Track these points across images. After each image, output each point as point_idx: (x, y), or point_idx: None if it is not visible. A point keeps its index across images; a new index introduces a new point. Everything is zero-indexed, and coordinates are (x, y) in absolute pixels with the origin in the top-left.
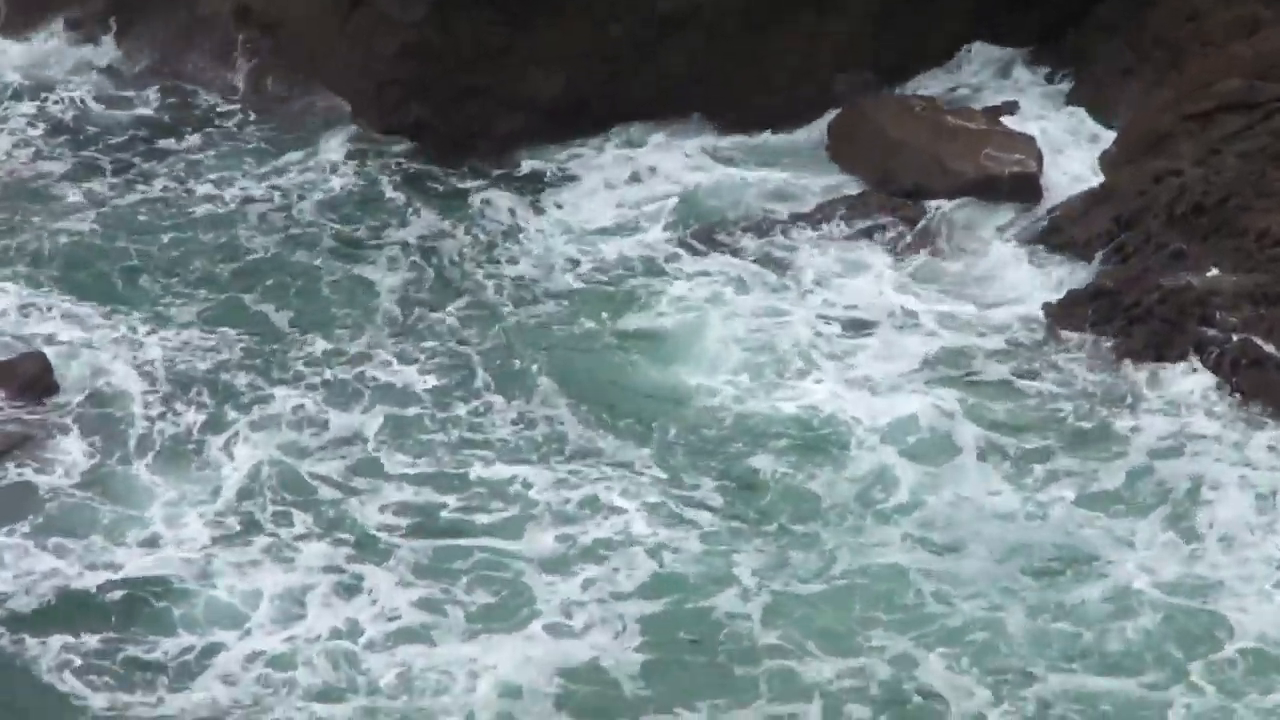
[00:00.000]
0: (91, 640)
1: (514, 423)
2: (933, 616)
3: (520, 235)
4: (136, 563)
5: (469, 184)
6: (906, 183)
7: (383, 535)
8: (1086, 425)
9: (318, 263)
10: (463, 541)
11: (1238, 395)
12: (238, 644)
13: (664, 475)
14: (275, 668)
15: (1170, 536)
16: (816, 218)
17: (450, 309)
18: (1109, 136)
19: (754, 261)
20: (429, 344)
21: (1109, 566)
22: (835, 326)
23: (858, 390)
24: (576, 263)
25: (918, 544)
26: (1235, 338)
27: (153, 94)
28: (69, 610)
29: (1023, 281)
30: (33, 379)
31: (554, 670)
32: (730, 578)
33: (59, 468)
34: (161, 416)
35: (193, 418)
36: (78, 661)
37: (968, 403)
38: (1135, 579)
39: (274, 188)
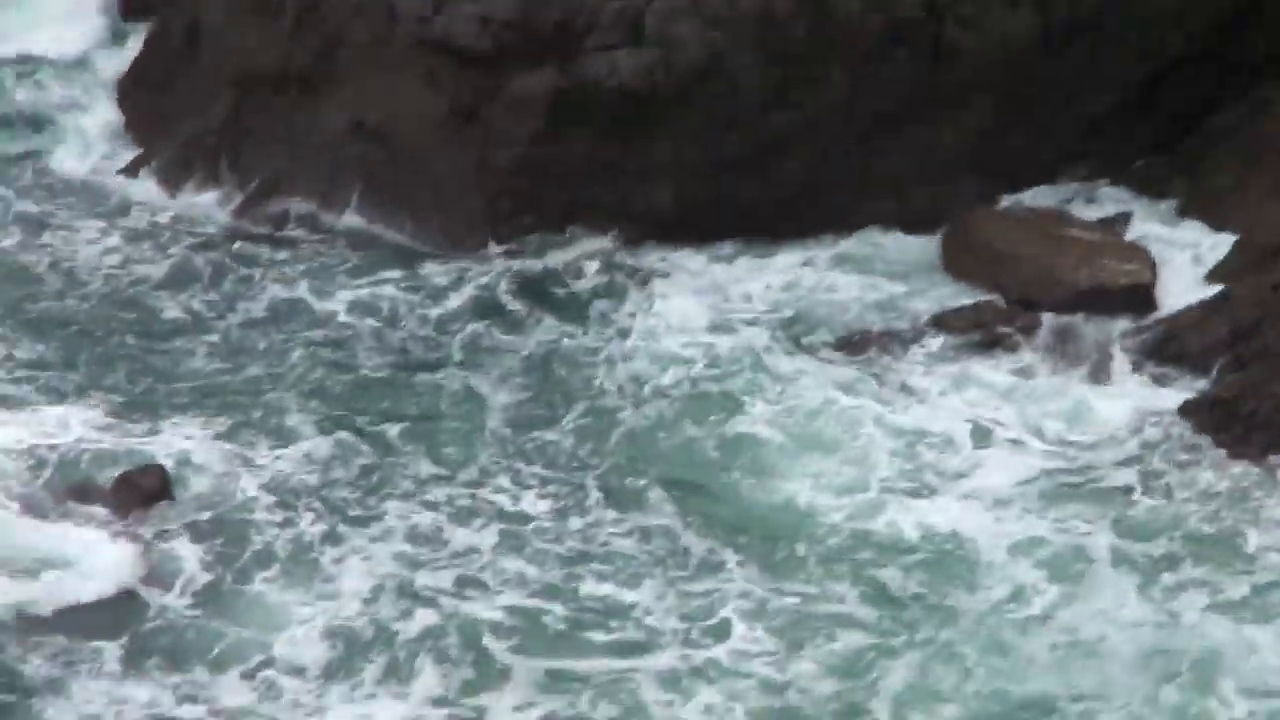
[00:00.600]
0: None
1: (631, 537)
2: None
3: (628, 345)
4: (241, 697)
5: (576, 295)
6: (1019, 294)
7: (499, 656)
8: (1212, 531)
9: (432, 377)
10: (581, 663)
11: None
12: None
13: (788, 589)
14: None
15: None
16: (930, 328)
17: (563, 423)
18: (1223, 247)
19: (864, 371)
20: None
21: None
22: (950, 440)
23: (977, 505)
24: (685, 369)
25: (1059, 657)
26: None
27: (262, 212)
28: None
29: (1139, 392)
30: (153, 493)
31: None
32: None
33: (172, 584)
34: (276, 536)
35: (308, 535)
36: None
37: (1092, 515)
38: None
39: (383, 302)
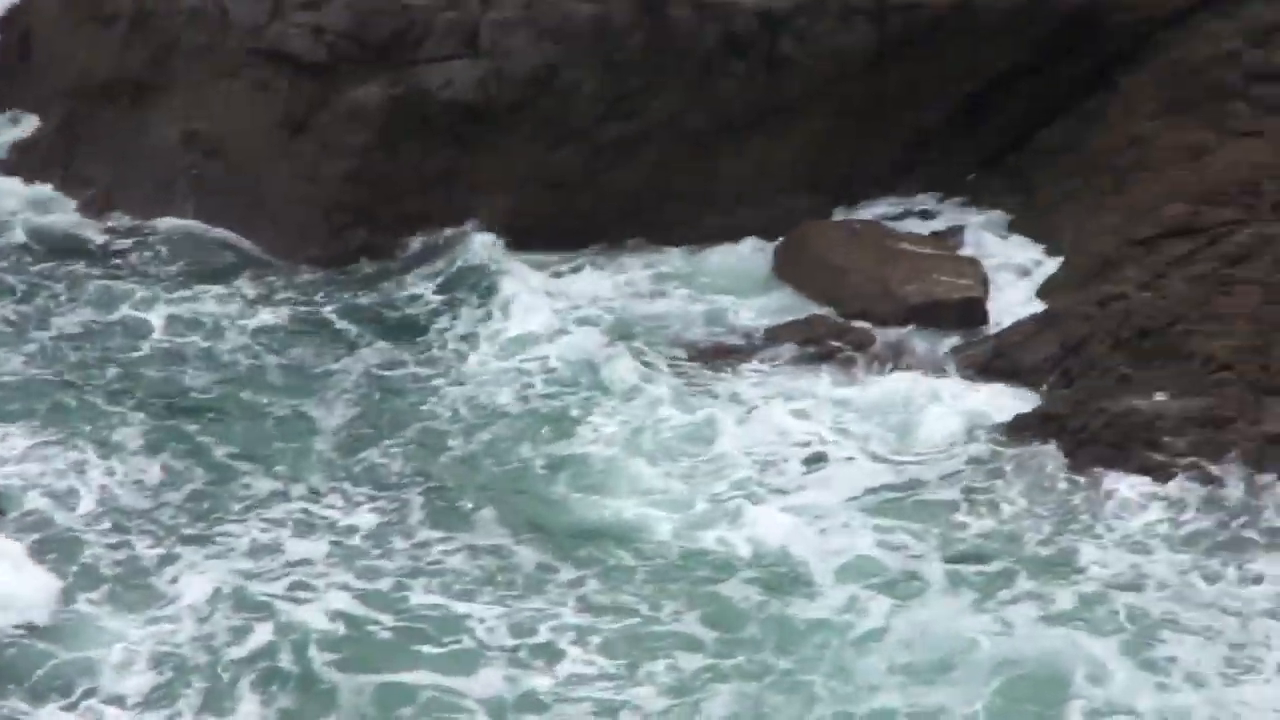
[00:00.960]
0: None
1: (460, 554)
2: None
3: (460, 360)
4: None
5: (410, 309)
6: (852, 307)
7: (326, 675)
8: (1042, 545)
9: (260, 397)
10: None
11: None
12: None
13: (622, 607)
14: None
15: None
16: (764, 341)
17: (389, 443)
18: (1054, 261)
19: (698, 384)
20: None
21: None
22: (778, 454)
23: (809, 520)
24: (515, 386)
25: (898, 678)
26: (1182, 461)
27: (91, 222)
28: None
29: (969, 407)
30: None
31: None
32: None
33: None
34: (106, 556)
35: (141, 555)
36: None
37: (923, 530)
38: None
39: (208, 318)
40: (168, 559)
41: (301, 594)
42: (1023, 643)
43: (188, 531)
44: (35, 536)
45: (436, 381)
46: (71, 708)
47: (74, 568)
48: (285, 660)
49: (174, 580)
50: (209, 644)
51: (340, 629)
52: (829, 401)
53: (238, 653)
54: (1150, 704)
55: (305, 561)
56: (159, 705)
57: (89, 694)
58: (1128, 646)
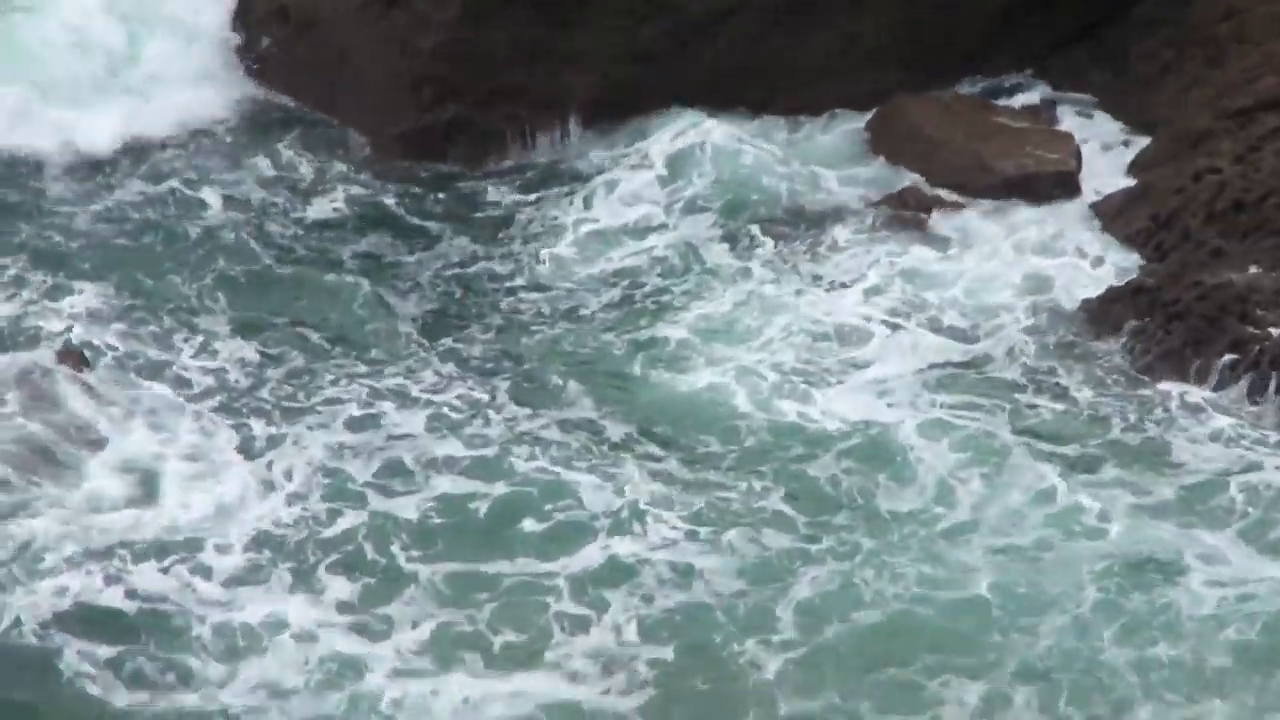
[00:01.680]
0: (108, 650)
1: (553, 428)
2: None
3: (551, 239)
4: (161, 582)
5: (498, 191)
6: (945, 180)
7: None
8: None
9: (346, 279)
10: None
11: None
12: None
13: (710, 481)
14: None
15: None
16: (855, 213)
17: (481, 325)
18: (1147, 135)
19: (788, 258)
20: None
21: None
22: (874, 325)
23: (900, 395)
24: (609, 265)
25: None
26: (1276, 334)
27: None
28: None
29: (1065, 276)
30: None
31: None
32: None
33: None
34: (202, 427)
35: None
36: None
37: (1009, 405)
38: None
39: (295, 194)
40: (270, 436)
41: (403, 472)
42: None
43: (288, 406)
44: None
45: (519, 272)
46: (164, 571)
47: (173, 440)
48: (377, 542)
49: (273, 461)
50: (307, 523)
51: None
52: (918, 273)
53: (331, 533)
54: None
55: (408, 435)
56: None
57: (184, 561)
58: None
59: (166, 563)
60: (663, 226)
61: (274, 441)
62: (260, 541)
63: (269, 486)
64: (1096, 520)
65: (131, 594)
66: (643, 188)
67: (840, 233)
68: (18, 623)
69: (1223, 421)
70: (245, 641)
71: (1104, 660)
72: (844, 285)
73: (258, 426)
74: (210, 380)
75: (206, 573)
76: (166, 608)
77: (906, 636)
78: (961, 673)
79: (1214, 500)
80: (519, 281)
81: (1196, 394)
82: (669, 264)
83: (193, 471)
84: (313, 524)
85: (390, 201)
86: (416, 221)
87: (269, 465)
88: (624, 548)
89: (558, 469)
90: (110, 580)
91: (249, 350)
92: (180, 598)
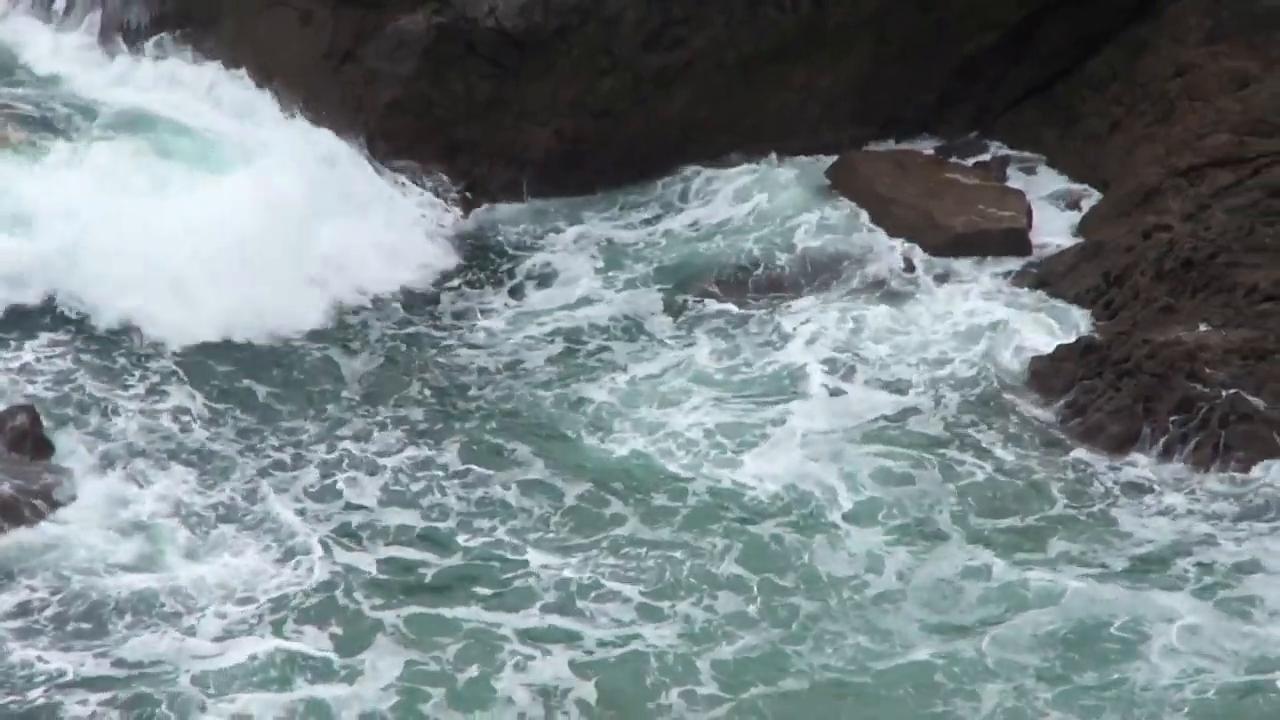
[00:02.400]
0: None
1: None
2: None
3: (500, 302)
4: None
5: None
6: (896, 237)
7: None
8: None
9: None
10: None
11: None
12: None
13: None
14: None
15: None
16: (809, 270)
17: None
18: (1098, 192)
19: (741, 312)
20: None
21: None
22: (826, 374)
23: (838, 449)
24: (557, 328)
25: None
26: (1224, 393)
27: None
28: None
29: (1015, 333)
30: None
31: None
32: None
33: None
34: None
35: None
36: None
37: (949, 461)
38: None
39: None
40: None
41: (355, 531)
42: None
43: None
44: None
45: (461, 338)
46: (152, 629)
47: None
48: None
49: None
50: (275, 578)
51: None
52: (862, 331)
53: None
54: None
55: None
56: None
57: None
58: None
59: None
60: (610, 290)
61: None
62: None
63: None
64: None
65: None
66: (594, 246)
67: (794, 289)
68: None
69: (1171, 498)
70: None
71: None
72: (794, 341)
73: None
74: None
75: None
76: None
77: (839, 701)
78: None
79: (1163, 570)
80: (460, 342)
81: (1142, 461)
82: (621, 318)
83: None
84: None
85: None
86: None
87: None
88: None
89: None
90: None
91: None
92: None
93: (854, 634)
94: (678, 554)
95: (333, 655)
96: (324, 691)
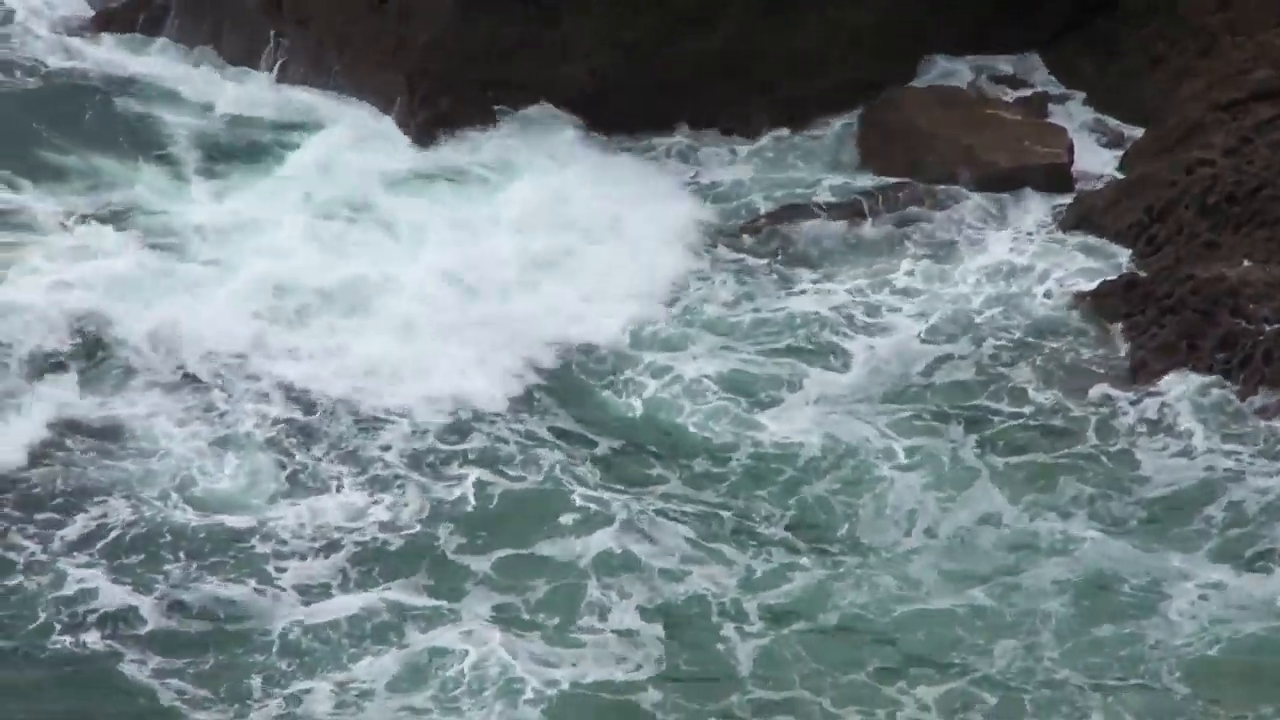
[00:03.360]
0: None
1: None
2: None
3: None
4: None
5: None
6: (938, 174)
7: None
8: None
9: None
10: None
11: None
12: None
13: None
14: None
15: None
16: (845, 211)
17: None
18: (1139, 127)
19: (778, 259)
20: None
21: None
22: (862, 323)
23: (885, 384)
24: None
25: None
26: (1267, 328)
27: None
28: None
29: (1056, 271)
30: None
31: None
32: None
33: None
34: None
35: None
36: None
37: (986, 409)
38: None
39: None
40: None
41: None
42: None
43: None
44: None
45: None
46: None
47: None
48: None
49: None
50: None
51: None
52: (913, 269)
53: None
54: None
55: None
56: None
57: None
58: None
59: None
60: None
61: None
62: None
63: None
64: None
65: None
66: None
67: (828, 231)
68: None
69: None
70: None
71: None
72: (834, 287)
73: None
74: None
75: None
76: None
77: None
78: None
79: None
80: None
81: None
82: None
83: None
84: None
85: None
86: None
87: None
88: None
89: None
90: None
91: None
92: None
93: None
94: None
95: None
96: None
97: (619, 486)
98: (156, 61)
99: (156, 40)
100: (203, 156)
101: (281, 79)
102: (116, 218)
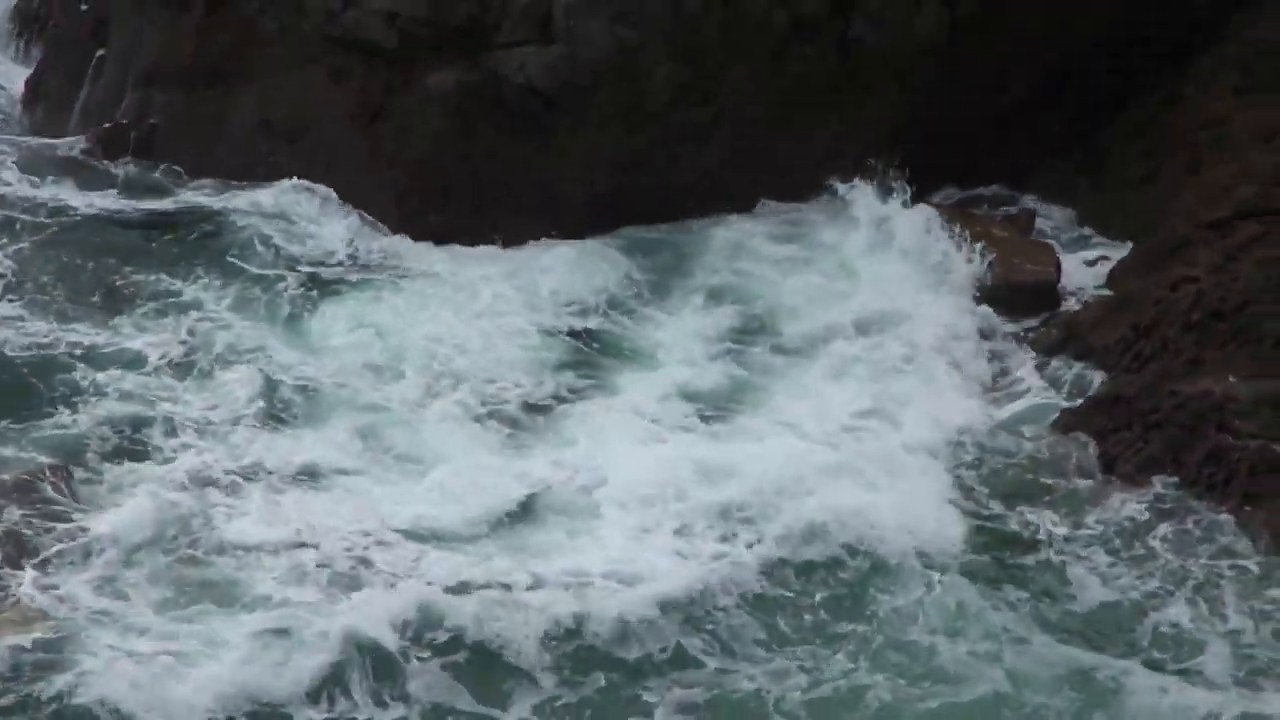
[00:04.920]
0: None
1: None
2: None
3: None
4: None
5: None
6: None
7: None
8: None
9: None
10: None
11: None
12: None
13: None
14: None
15: None
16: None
17: None
18: (1125, 244)
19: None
20: None
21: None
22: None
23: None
24: None
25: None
26: (1252, 444)
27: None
28: None
29: (1040, 388)
30: None
31: None
32: None
33: None
34: None
35: None
36: None
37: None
38: None
39: None
40: None
41: None
42: None
43: None
44: None
45: None
46: None
47: None
48: None
49: None
50: None
51: None
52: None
53: None
54: None
55: None
56: None
57: None
58: None
59: None
60: None
61: None
62: None
63: None
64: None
65: None
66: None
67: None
68: None
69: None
70: None
71: None
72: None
73: None
74: None
75: None
76: None
77: None
78: None
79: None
80: None
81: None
82: None
83: None
84: None
85: None
86: None
87: None
88: None
89: None
90: None
91: None
92: None
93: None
94: None
95: None
96: None
97: None
98: None
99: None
100: None
101: None
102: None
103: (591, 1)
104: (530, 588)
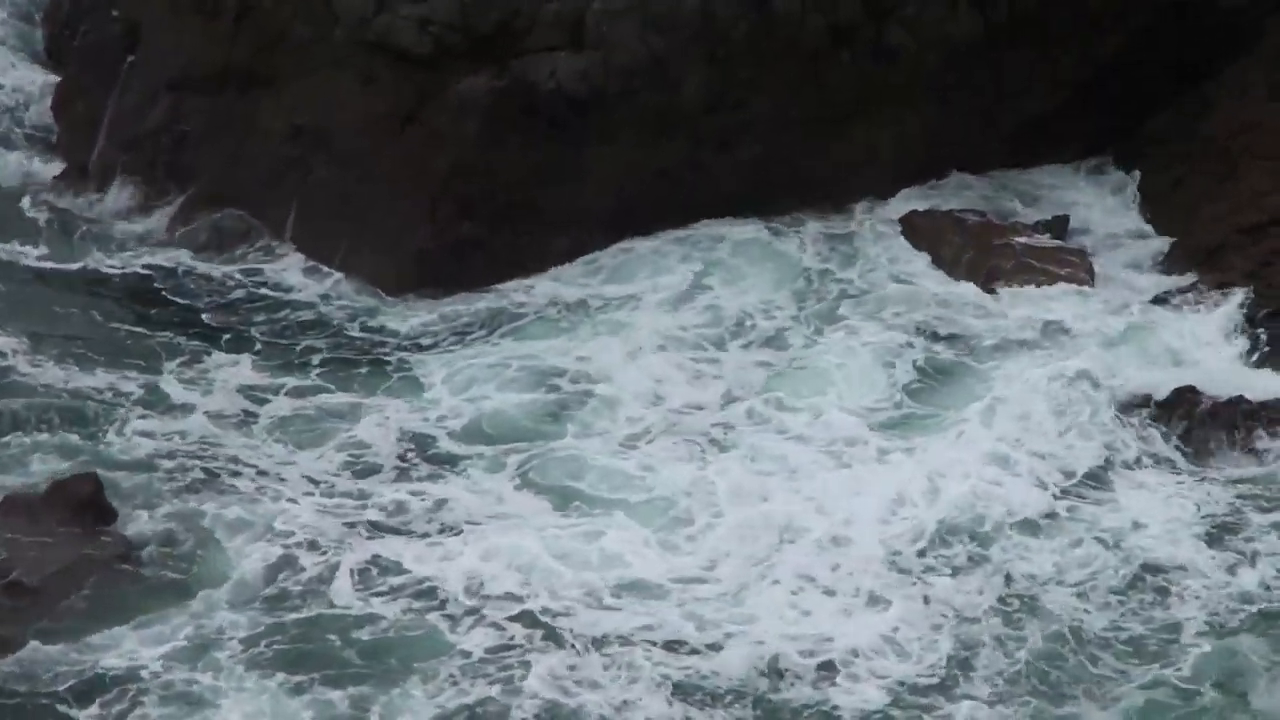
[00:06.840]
0: None
1: None
2: None
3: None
4: None
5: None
6: None
7: None
8: None
9: None
10: None
11: None
12: None
13: None
14: None
15: None
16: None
17: None
18: (1160, 247)
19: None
20: None
21: None
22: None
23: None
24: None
25: None
26: None
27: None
28: None
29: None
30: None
31: None
32: None
33: None
34: None
35: None
36: None
37: None
38: None
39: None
40: None
41: None
42: None
43: None
44: None
45: None
46: None
47: None
48: None
49: None
50: None
51: None
52: None
53: None
54: None
55: None
56: None
57: None
58: None
59: None
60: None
61: None
62: None
63: None
64: None
65: None
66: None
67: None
68: None
69: None
70: None
71: None
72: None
73: None
74: None
75: None
76: None
77: None
78: None
79: None
80: None
81: None
82: None
83: None
84: None
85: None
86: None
87: None
88: None
89: None
90: None
91: None
92: None
93: None
94: None
95: None
96: None
97: None
98: None
99: None
100: None
101: None
102: None
103: (623, 7)
104: None
